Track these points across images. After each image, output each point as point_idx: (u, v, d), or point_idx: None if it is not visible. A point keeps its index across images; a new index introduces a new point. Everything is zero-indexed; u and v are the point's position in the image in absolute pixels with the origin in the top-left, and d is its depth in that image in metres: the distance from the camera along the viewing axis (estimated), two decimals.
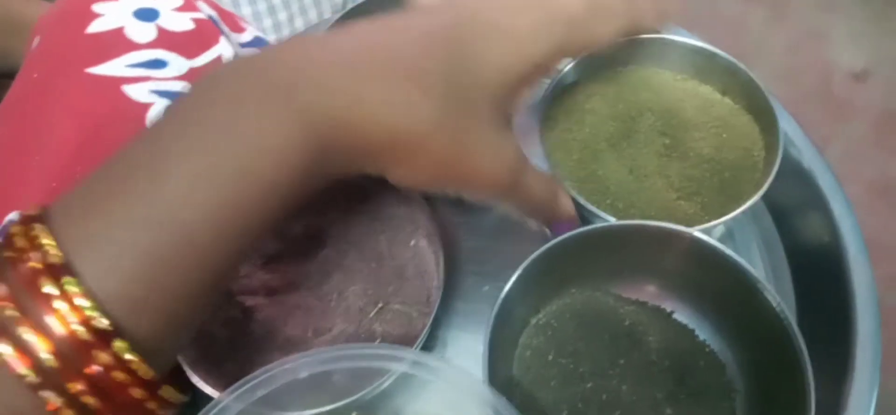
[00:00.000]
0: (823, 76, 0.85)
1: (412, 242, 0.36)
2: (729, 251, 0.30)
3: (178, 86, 0.40)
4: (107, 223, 0.21)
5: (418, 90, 0.25)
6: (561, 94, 0.37)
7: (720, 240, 0.32)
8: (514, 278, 0.30)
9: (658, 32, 0.36)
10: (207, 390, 0.30)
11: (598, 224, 0.32)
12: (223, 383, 0.31)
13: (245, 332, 0.34)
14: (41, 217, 0.22)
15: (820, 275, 0.34)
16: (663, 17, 0.35)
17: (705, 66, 0.37)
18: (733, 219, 0.31)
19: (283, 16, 0.66)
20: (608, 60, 0.37)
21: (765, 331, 0.29)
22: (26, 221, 0.22)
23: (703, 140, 0.35)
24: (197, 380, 0.30)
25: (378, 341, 0.33)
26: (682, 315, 0.33)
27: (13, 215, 0.35)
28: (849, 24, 0.90)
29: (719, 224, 0.31)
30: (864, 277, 0.32)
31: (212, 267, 0.23)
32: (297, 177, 0.24)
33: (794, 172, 0.35)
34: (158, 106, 0.39)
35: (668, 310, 0.33)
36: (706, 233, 0.30)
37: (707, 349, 0.32)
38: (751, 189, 0.32)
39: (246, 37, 0.47)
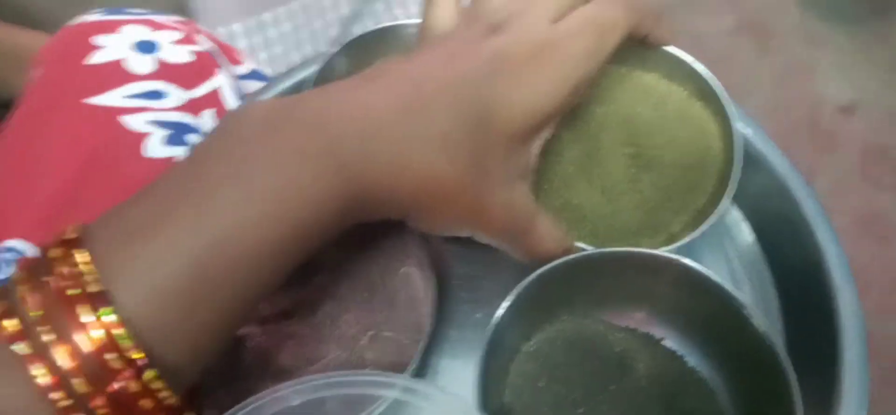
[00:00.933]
0: (811, 109, 0.87)
1: (403, 270, 0.36)
2: (717, 278, 0.30)
3: (176, 116, 0.40)
4: (148, 253, 0.22)
5: (446, 158, 0.27)
6: None
7: (708, 255, 0.32)
8: (505, 305, 0.30)
9: (664, 40, 0.36)
10: None
11: (587, 252, 0.32)
12: (215, 413, 0.31)
13: (237, 361, 0.34)
14: (80, 240, 0.22)
15: (807, 304, 0.34)
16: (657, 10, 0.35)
17: (645, 54, 0.37)
18: (710, 226, 0.32)
19: (278, 50, 0.67)
20: None
21: (753, 357, 0.30)
22: (66, 243, 0.22)
23: (666, 145, 0.36)
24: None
25: (368, 368, 0.33)
26: (672, 342, 0.33)
27: (14, 242, 0.36)
28: (836, 58, 0.92)
29: (700, 234, 0.32)
30: (851, 304, 0.32)
31: (243, 301, 0.24)
32: (333, 224, 0.25)
33: (780, 200, 0.36)
34: (155, 136, 0.39)
35: (658, 336, 0.33)
36: (688, 249, 0.31)
37: (696, 376, 0.32)
38: (717, 184, 0.34)
39: (243, 69, 0.48)
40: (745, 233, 0.39)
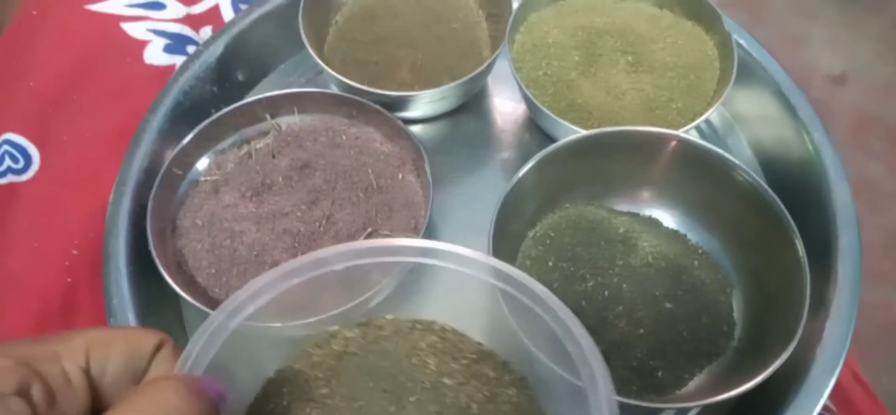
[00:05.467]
0: (803, 79, 0.88)
1: (400, 176, 0.37)
2: (713, 147, 0.31)
3: (176, 27, 0.41)
4: None
5: None
6: (522, 35, 0.38)
7: None
8: (508, 188, 0.31)
9: None
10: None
11: (585, 132, 0.32)
12: (213, 305, 0.31)
13: (233, 256, 0.34)
14: None
15: (801, 204, 0.34)
16: None
17: None
18: (710, 115, 0.34)
19: None
20: None
21: (755, 222, 0.30)
22: None
23: (663, 50, 0.37)
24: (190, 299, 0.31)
25: None
26: (674, 222, 0.33)
27: (10, 135, 0.36)
28: (826, 30, 0.94)
29: (702, 120, 0.34)
30: (844, 196, 0.32)
31: None
32: None
33: (774, 105, 0.37)
34: (155, 43, 0.40)
35: (659, 218, 0.33)
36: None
37: (700, 251, 0.32)
38: (716, 85, 0.35)
39: None
40: (743, 146, 0.39)
